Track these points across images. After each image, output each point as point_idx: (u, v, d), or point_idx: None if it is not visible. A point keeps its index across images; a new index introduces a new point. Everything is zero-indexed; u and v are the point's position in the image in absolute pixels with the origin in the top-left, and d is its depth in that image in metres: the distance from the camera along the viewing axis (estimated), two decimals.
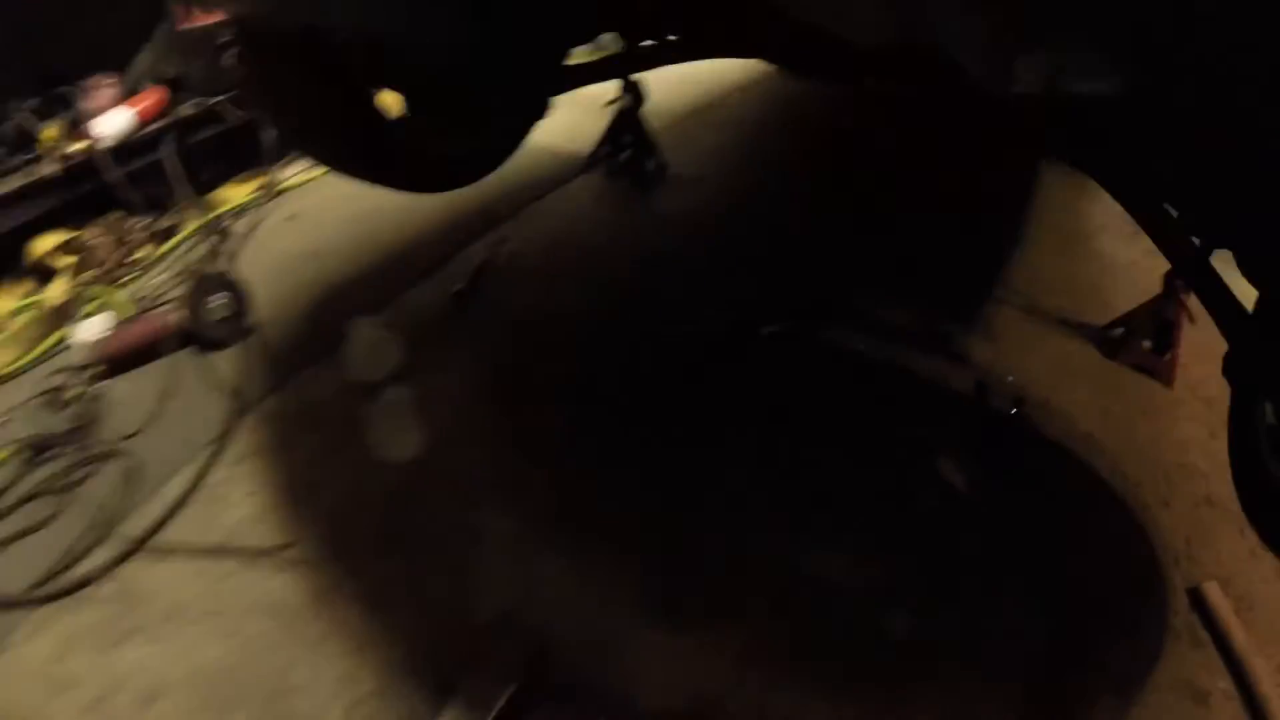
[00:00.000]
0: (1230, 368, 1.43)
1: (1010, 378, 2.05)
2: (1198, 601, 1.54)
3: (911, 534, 1.62)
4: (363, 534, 1.61)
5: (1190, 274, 1.60)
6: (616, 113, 2.92)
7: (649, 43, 2.20)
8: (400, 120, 1.96)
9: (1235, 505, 1.40)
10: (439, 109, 1.97)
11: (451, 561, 1.53)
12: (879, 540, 1.60)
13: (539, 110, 2.20)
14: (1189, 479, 1.81)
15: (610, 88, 2.97)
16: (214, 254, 2.50)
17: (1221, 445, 1.54)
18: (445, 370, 2.00)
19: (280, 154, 3.12)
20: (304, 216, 2.82)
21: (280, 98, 1.74)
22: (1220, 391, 2.33)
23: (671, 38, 2.16)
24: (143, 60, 2.98)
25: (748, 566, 1.52)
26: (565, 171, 2.92)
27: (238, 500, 1.70)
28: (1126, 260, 2.49)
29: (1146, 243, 2.20)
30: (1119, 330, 2.15)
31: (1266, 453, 1.40)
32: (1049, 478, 1.79)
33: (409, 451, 1.77)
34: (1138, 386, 2.05)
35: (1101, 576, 1.59)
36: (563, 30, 1.94)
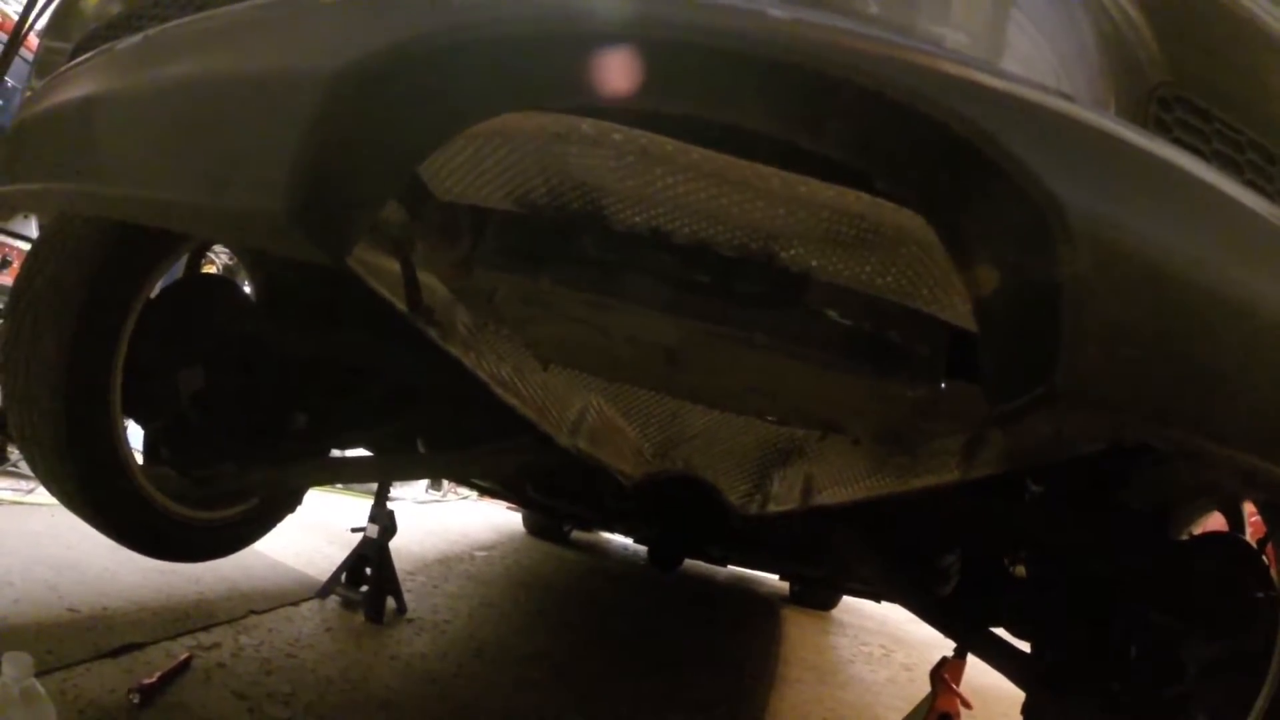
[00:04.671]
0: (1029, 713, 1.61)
1: None
2: None
3: None
4: None
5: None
6: (362, 540, 2.72)
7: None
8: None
9: None
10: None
11: None
12: None
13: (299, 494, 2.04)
14: None
15: (359, 515, 2.82)
16: None
17: None
18: None
19: None
20: None
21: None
22: None
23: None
24: None
25: None
26: (297, 592, 2.55)
27: None
28: (885, 678, 2.51)
29: (899, 660, 2.27)
30: None
31: None
32: None
33: None
34: None
35: None
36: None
